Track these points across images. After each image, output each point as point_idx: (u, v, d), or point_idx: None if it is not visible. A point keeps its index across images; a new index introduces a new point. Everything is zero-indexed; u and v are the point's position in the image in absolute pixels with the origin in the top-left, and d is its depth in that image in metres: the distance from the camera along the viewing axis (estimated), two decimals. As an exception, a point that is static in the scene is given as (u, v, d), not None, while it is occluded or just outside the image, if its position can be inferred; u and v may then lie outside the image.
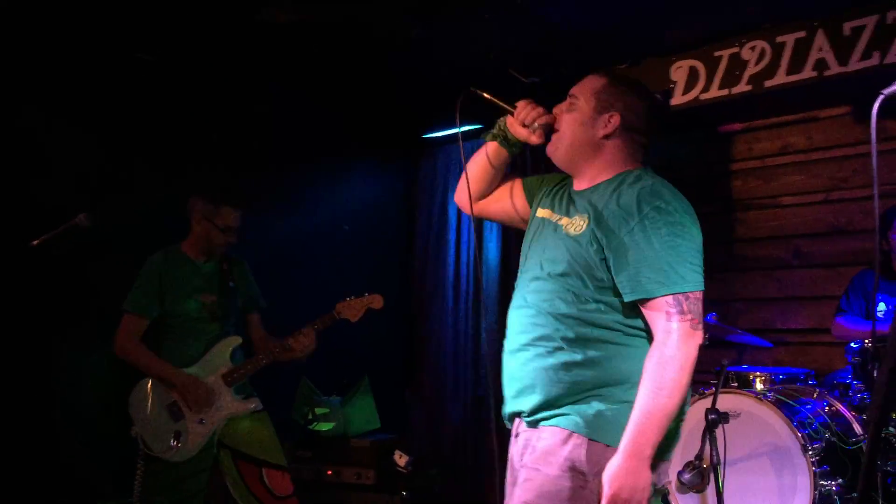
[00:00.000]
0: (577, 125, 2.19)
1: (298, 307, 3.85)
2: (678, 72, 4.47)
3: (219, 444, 3.50)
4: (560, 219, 2.19)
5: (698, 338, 1.96)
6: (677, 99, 4.45)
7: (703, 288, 2.00)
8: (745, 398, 3.56)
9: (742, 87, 4.22)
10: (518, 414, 2.17)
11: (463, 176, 2.45)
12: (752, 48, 4.19)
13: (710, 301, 4.26)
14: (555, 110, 2.26)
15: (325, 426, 4.64)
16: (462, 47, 4.36)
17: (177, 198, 3.80)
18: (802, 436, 3.37)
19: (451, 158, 5.60)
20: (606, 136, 2.17)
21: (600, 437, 1.97)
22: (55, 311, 4.01)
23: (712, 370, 3.90)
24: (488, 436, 5.23)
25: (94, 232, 3.29)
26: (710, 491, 3.51)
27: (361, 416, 4.67)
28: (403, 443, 4.59)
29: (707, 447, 3.41)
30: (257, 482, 3.47)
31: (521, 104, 2.30)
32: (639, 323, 2.04)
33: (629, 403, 1.95)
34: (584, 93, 2.21)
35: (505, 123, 2.34)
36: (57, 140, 4.14)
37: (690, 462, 3.56)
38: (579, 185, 2.22)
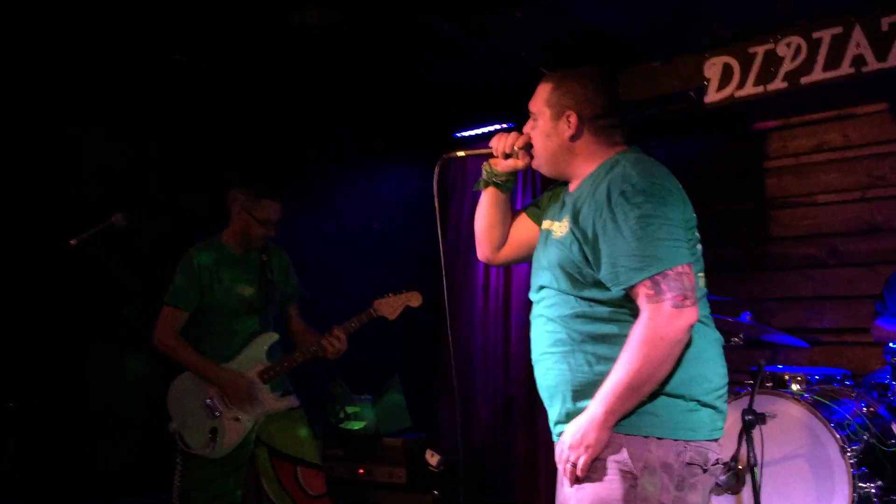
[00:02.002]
0: (545, 139, 2.24)
1: (329, 305, 3.85)
2: (712, 69, 4.43)
3: (256, 442, 3.49)
4: (551, 225, 2.24)
5: (686, 315, 1.91)
6: (711, 96, 4.41)
7: (685, 260, 1.95)
8: (781, 399, 3.51)
9: (777, 83, 4.17)
10: (557, 422, 2.18)
11: (477, 234, 2.50)
12: (788, 44, 4.15)
13: (744, 300, 4.27)
14: (525, 130, 2.32)
15: (356, 425, 4.65)
16: (495, 46, 4.35)
17: (211, 196, 3.82)
18: (841, 437, 3.32)
19: (482, 158, 5.57)
20: (573, 137, 2.20)
21: (636, 430, 1.97)
22: (91, 307, 4.06)
23: (747, 370, 3.88)
24: (518, 435, 5.22)
25: (131, 231, 3.32)
26: (746, 493, 3.48)
27: (393, 415, 4.68)
28: (434, 442, 4.59)
29: (743, 448, 3.38)
30: (292, 481, 3.47)
31: (493, 141, 2.37)
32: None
33: (656, 393, 1.95)
34: (539, 105, 2.26)
35: (490, 165, 2.41)
36: (94, 141, 4.20)
37: (725, 463, 3.53)
38: (572, 186, 2.26)
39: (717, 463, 2.05)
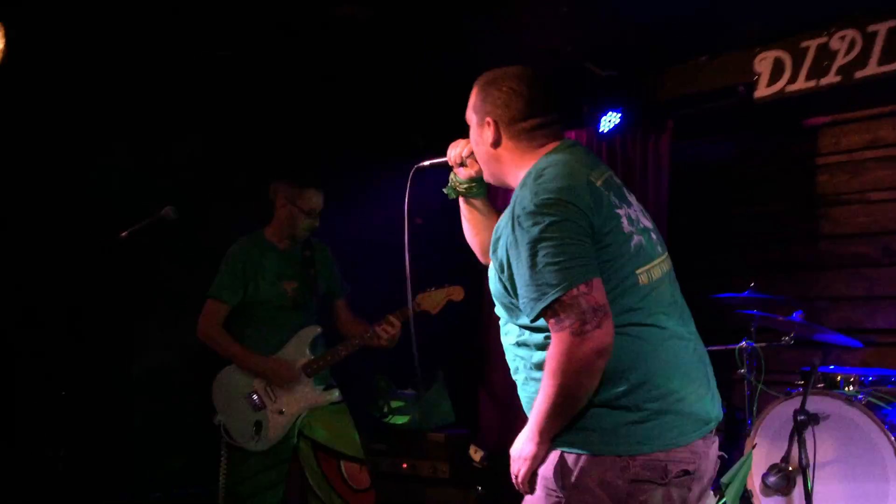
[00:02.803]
0: (476, 147, 2.19)
1: (372, 300, 3.85)
2: (762, 63, 4.34)
3: (299, 435, 3.51)
4: None
5: (589, 340, 1.77)
6: (761, 91, 4.32)
7: (582, 279, 1.80)
8: (834, 400, 3.44)
9: (831, 78, 4.08)
10: None
11: (469, 241, 2.51)
12: (842, 38, 4.05)
13: (796, 299, 4.19)
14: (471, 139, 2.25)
15: (400, 419, 4.66)
16: (540, 42, 4.32)
17: (254, 188, 3.85)
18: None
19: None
20: (495, 143, 2.11)
21: (571, 447, 1.90)
22: (140, 299, 4.12)
23: (798, 370, 3.81)
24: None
25: (179, 224, 3.36)
26: (797, 494, 3.42)
27: (437, 410, 4.67)
28: (477, 438, 4.58)
29: (794, 450, 3.32)
30: (336, 474, 3.48)
31: (449, 150, 2.33)
32: None
33: (593, 408, 1.87)
34: (468, 112, 2.19)
35: (454, 174, 2.37)
36: (140, 137, 4.26)
37: (776, 465, 3.48)
38: None
39: (683, 474, 1.89)
